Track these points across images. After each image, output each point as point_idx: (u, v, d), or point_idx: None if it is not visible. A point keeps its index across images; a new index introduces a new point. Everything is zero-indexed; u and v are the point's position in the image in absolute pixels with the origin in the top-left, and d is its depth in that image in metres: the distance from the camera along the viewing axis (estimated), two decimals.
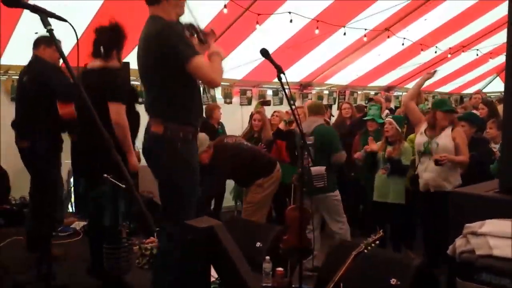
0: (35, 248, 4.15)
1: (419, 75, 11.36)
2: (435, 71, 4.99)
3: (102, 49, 3.54)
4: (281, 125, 5.68)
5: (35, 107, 4.02)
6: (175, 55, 2.68)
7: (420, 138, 4.50)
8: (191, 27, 3.06)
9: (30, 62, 4.23)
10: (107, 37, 3.55)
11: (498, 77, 13.21)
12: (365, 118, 5.81)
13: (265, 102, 7.67)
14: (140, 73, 2.97)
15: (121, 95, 3.49)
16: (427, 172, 4.38)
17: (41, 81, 3.98)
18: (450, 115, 4.44)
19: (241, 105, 8.57)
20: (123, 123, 3.42)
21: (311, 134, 4.66)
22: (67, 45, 3.81)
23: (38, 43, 4.15)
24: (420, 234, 5.35)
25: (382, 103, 6.91)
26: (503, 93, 3.57)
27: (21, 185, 5.21)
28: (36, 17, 1.81)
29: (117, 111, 3.40)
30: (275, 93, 9.23)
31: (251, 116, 6.28)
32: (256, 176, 4.74)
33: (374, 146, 5.11)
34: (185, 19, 3.05)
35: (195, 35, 3.06)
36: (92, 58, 3.62)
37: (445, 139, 4.34)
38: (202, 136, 4.48)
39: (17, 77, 6.03)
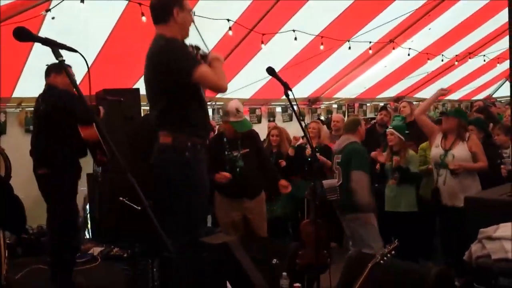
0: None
1: (427, 84, 11.40)
2: (448, 90, 4.99)
3: None
4: (290, 151, 5.64)
5: (54, 135, 4.05)
6: (178, 69, 2.76)
7: (435, 150, 4.46)
8: (195, 47, 3.13)
9: (44, 91, 4.29)
10: None
11: (507, 82, 13.17)
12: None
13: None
14: (148, 93, 3.02)
15: None
16: (446, 185, 4.33)
17: (59, 108, 4.01)
18: (446, 119, 4.44)
19: None
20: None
21: (340, 152, 4.62)
22: (78, 74, 3.92)
23: (49, 71, 4.22)
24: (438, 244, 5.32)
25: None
26: None
27: (38, 214, 5.26)
28: (46, 49, 1.87)
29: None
30: (284, 109, 9.30)
31: (268, 132, 6.25)
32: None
33: (381, 157, 5.11)
34: (192, 39, 3.11)
35: (198, 54, 3.13)
36: None
37: (461, 149, 4.30)
38: None
39: (31, 109, 6.23)
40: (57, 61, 1.86)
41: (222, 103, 7.65)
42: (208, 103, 7.82)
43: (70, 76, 1.92)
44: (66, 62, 1.89)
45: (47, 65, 4.24)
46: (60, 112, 3.99)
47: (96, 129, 4.06)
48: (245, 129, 4.51)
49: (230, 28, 6.19)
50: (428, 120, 4.80)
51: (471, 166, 4.23)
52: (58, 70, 4.13)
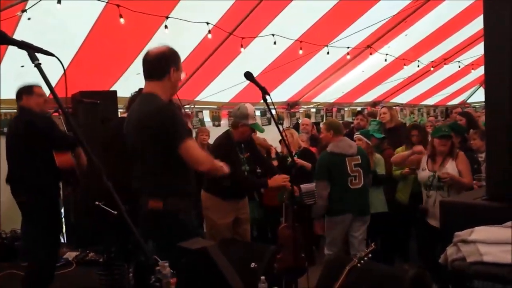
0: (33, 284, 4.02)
1: (404, 89, 11.58)
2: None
3: None
4: (275, 162, 5.60)
5: (29, 161, 3.87)
6: (171, 134, 2.72)
7: (423, 173, 4.50)
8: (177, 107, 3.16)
9: (17, 116, 4.11)
10: None
11: (481, 88, 13.46)
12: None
13: None
14: (132, 149, 2.93)
15: None
16: (436, 207, 4.27)
17: (34, 132, 3.84)
18: (446, 141, 4.41)
19: (229, 127, 8.56)
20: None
21: (356, 154, 4.63)
22: (55, 76, 3.86)
23: (19, 94, 4.02)
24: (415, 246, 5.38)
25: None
26: None
27: (11, 218, 5.15)
28: (21, 51, 1.83)
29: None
30: (263, 113, 9.30)
31: None
32: None
33: None
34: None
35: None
36: None
37: (449, 168, 4.34)
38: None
39: (5, 111, 6.11)
40: (33, 65, 1.82)
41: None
42: (187, 106, 7.79)
43: (47, 81, 1.85)
44: (42, 65, 1.85)
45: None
46: (36, 136, 3.83)
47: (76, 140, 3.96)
48: (262, 131, 4.72)
49: (209, 32, 6.18)
50: (405, 156, 4.82)
51: (458, 179, 4.27)
52: (28, 92, 3.97)
